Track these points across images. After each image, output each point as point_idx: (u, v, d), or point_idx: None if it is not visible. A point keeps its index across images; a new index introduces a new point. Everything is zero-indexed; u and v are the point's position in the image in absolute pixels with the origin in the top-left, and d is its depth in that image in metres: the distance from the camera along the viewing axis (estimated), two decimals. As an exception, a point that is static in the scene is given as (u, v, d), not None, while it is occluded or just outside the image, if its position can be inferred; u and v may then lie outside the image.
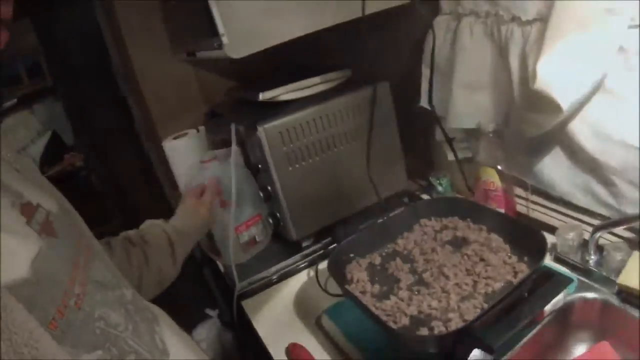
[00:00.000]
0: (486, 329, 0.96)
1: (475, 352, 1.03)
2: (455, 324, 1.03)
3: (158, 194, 2.25)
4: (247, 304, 1.39)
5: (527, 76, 1.19)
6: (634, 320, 1.11)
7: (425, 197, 1.66)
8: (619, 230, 1.26)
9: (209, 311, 1.66)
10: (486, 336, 0.94)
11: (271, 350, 1.23)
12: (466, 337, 0.97)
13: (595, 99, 1.15)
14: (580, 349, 1.24)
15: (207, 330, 1.64)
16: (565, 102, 1.10)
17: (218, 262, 1.52)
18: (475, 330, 0.96)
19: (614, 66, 1.09)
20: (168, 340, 0.76)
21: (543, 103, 1.13)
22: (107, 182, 3.59)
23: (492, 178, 1.37)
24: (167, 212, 1.38)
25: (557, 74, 1.10)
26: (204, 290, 1.68)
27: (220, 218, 1.43)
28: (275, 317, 1.33)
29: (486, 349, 0.94)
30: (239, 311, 1.40)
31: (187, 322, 1.57)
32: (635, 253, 1.17)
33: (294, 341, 1.22)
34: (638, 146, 1.11)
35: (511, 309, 0.99)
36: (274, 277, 1.43)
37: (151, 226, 1.26)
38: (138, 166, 2.84)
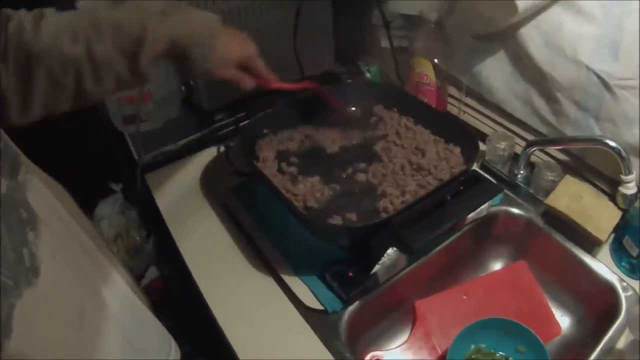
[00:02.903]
0: (406, 227, 0.85)
1: (389, 252, 0.93)
2: (372, 216, 0.94)
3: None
4: (151, 177, 1.24)
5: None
6: (555, 244, 1.06)
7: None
8: (554, 150, 1.17)
9: (112, 185, 1.51)
10: (405, 235, 0.83)
11: (170, 227, 1.11)
12: (384, 232, 0.85)
13: (555, 7, 1.04)
14: (496, 265, 1.20)
15: (110, 206, 1.49)
16: (522, 2, 1.00)
17: (125, 134, 1.34)
18: (395, 227, 0.84)
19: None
20: (43, 252, 0.56)
21: (498, -1, 1.01)
22: None
23: (426, 71, 1.24)
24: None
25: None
26: (109, 163, 1.51)
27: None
28: (180, 194, 1.19)
29: (405, 247, 0.83)
30: (143, 185, 1.25)
31: (90, 197, 1.45)
32: (568, 177, 1.09)
33: (195, 218, 1.11)
34: (590, 66, 1.01)
35: (434, 211, 0.88)
36: (182, 149, 1.28)
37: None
38: None
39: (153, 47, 0.76)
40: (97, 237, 0.81)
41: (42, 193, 0.64)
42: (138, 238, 1.40)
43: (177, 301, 1.24)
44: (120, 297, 0.78)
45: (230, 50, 0.90)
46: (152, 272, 1.38)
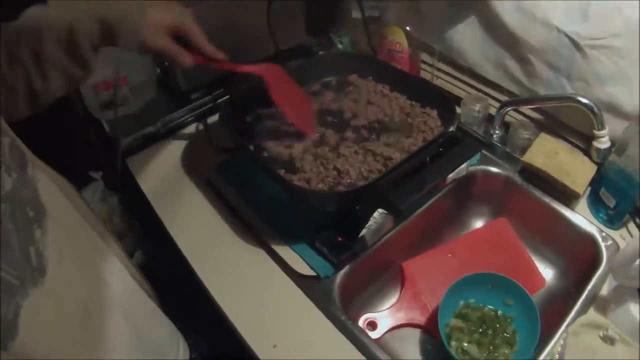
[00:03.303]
0: (390, 190, 0.86)
1: (375, 215, 0.94)
2: (357, 182, 0.94)
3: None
4: (132, 161, 1.22)
5: None
6: (534, 199, 1.08)
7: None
8: (526, 110, 1.19)
9: (92, 173, 1.49)
10: (392, 197, 0.84)
11: (157, 209, 1.10)
12: (369, 195, 0.86)
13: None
14: (478, 223, 1.22)
15: (91, 194, 1.46)
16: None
17: (102, 121, 1.32)
18: (380, 190, 0.85)
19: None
20: (50, 250, 0.53)
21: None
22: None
23: (399, 39, 1.23)
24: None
25: None
26: (87, 152, 1.49)
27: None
28: (162, 175, 1.17)
29: (393, 208, 0.84)
30: (124, 170, 1.23)
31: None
32: (542, 134, 1.11)
33: (181, 198, 1.10)
34: (561, 28, 1.02)
35: (416, 173, 0.89)
36: (161, 131, 1.25)
37: None
38: None
39: (84, 31, 0.74)
40: (103, 229, 0.78)
41: (50, 188, 0.62)
42: (121, 224, 1.38)
43: (167, 283, 1.24)
44: (127, 288, 0.77)
45: (160, 17, 0.83)
46: (138, 257, 1.36)
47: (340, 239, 0.95)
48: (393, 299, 1.07)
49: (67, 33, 0.73)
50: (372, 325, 1.01)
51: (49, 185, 0.61)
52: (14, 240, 0.47)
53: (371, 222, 0.94)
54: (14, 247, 0.47)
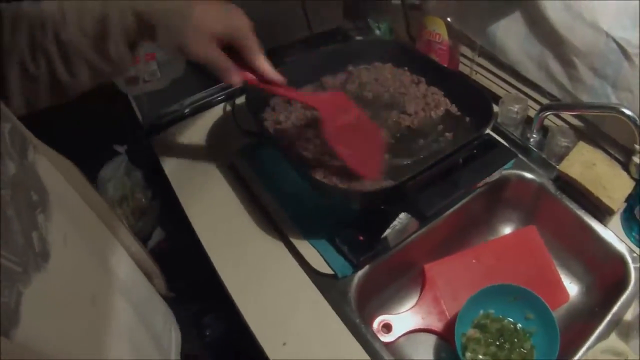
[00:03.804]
0: (419, 192, 0.82)
1: (401, 216, 0.91)
2: (384, 181, 0.90)
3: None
4: (156, 139, 1.20)
5: None
6: (566, 210, 1.04)
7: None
8: (568, 116, 1.13)
9: (117, 147, 1.48)
10: (419, 201, 0.81)
11: (177, 190, 1.08)
12: (396, 196, 0.83)
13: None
14: (506, 229, 1.18)
15: (115, 168, 1.47)
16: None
17: (129, 96, 1.31)
18: (408, 192, 0.82)
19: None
20: (53, 234, 0.51)
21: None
22: None
23: (439, 30, 1.19)
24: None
25: None
26: (114, 125, 1.48)
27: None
28: (186, 156, 1.15)
29: (418, 214, 0.81)
30: (148, 147, 1.21)
31: (94, 159, 1.41)
32: (581, 143, 1.06)
33: (201, 180, 1.07)
34: (610, 33, 0.96)
35: (447, 175, 0.86)
36: (187, 110, 1.24)
37: None
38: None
39: (118, 25, 0.68)
40: (107, 210, 0.73)
41: (52, 173, 0.59)
42: (144, 200, 1.37)
43: (184, 262, 1.23)
44: (132, 275, 0.74)
45: (210, 21, 0.73)
46: (158, 234, 1.36)
47: (361, 237, 0.92)
48: (411, 301, 1.04)
49: (97, 23, 0.68)
50: (387, 327, 0.98)
51: (51, 170, 0.59)
52: (16, 226, 0.45)
53: (396, 223, 0.91)
54: (16, 233, 0.45)
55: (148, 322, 0.73)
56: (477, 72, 1.27)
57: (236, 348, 1.32)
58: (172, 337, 0.81)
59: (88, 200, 0.67)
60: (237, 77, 0.78)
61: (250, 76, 0.79)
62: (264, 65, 0.79)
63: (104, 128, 1.41)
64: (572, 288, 1.07)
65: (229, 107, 1.24)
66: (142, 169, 1.42)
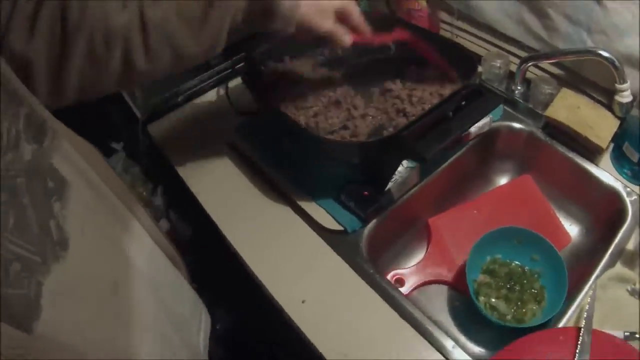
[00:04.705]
0: (415, 141, 0.84)
1: (400, 169, 0.93)
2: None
3: None
4: (154, 128, 1.21)
5: None
6: (557, 155, 1.06)
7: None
8: (547, 65, 1.16)
9: (114, 145, 1.49)
10: (417, 146, 0.83)
11: (182, 175, 1.09)
12: (394, 146, 0.85)
13: None
14: (502, 180, 1.20)
15: (113, 165, 1.47)
16: None
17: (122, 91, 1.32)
18: (406, 140, 0.84)
19: None
20: (72, 223, 0.49)
21: None
22: None
23: (417, -3, 1.21)
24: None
25: None
26: (107, 124, 1.49)
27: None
28: (186, 141, 1.16)
29: (418, 157, 0.83)
30: (145, 138, 1.23)
31: None
32: (564, 89, 1.09)
33: (205, 162, 1.09)
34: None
35: (439, 125, 0.88)
36: (180, 97, 1.24)
37: None
38: None
39: (227, 7, 0.67)
40: (132, 199, 0.71)
41: (72, 158, 0.55)
42: (145, 192, 1.38)
43: (191, 253, 1.23)
44: (155, 262, 0.71)
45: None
46: (163, 225, 1.36)
47: (366, 192, 0.94)
48: (420, 255, 1.06)
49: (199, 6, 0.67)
50: (400, 282, 0.99)
51: (72, 154, 0.55)
52: (31, 215, 0.43)
53: (397, 176, 0.92)
54: (31, 222, 0.43)
55: (172, 308, 0.71)
56: (457, 36, 1.30)
57: (246, 342, 1.33)
58: (202, 320, 0.80)
59: (109, 184, 0.64)
60: (350, 39, 0.87)
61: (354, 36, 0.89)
62: (365, 25, 0.89)
63: (99, 127, 1.41)
64: (572, 230, 1.09)
65: (222, 91, 1.25)
66: (141, 163, 1.42)
